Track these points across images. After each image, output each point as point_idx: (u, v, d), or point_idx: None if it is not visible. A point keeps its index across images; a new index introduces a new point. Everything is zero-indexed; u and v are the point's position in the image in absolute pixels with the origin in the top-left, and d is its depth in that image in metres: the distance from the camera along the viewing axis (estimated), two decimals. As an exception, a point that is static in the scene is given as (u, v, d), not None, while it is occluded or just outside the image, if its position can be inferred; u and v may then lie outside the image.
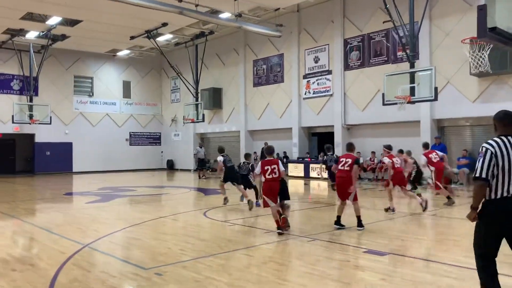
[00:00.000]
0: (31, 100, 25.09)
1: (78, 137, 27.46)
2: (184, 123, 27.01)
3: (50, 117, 25.51)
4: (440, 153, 11.66)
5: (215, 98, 26.47)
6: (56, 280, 5.22)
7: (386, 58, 18.75)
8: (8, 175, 25.13)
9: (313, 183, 18.68)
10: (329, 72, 20.96)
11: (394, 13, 15.35)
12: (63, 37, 23.70)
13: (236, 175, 11.50)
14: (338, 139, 20.56)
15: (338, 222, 8.23)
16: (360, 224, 8.02)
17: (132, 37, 24.31)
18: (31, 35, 23.07)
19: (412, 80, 14.97)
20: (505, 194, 3.75)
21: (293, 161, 22.11)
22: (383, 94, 15.66)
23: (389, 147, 11.04)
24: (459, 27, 16.32)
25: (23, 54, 25.08)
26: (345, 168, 8.19)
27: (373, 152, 19.07)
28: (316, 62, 21.63)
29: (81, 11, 19.69)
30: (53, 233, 8.20)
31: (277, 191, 7.85)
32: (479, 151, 3.91)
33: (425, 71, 14.70)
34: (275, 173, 7.81)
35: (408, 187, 11.19)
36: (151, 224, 9.09)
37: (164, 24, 21.96)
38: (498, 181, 3.75)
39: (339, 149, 20.45)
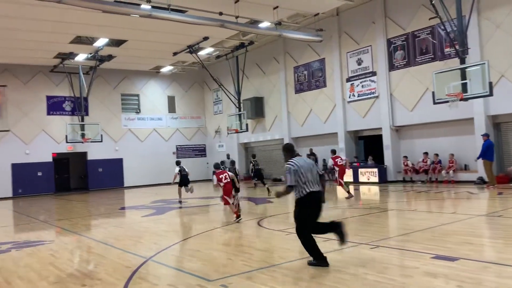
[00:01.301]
0: (82, 120, 26.18)
1: (128, 153, 28.32)
2: (228, 133, 27.27)
3: (101, 135, 26.50)
4: (344, 158, 16.32)
5: (257, 107, 26.59)
6: (126, 294, 5.32)
7: (433, 56, 18.17)
8: (64, 192, 26.22)
9: (363, 188, 18.26)
10: (373, 73, 20.56)
11: (440, 9, 14.89)
12: (110, 57, 24.61)
13: (188, 181, 17.24)
14: (387, 141, 20.07)
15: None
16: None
17: (174, 53, 24.90)
18: (80, 57, 24.12)
19: (463, 77, 14.42)
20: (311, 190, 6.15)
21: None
22: (433, 93, 15.17)
23: (333, 152, 15.89)
24: (510, 18, 15.60)
25: (73, 76, 26.29)
26: None
27: (426, 153, 18.45)
28: (359, 64, 21.29)
29: (125, 31, 20.39)
30: (115, 247, 8.42)
31: (231, 190, 11.12)
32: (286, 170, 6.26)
33: (477, 66, 14.12)
34: (227, 178, 11.03)
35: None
36: (208, 235, 9.15)
37: (205, 38, 22.34)
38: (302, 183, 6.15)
39: (388, 152, 19.99)
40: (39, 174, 25.56)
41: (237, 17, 17.27)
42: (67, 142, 25.81)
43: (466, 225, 8.55)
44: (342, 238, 6.20)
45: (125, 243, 8.95)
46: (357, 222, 9.97)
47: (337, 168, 15.03)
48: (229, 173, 11.34)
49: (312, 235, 6.19)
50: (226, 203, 10.98)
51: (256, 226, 9.79)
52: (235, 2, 17.08)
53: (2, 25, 18.30)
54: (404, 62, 19.28)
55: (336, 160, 15.09)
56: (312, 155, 22.80)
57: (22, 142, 25.25)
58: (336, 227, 6.28)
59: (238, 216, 10.63)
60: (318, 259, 6.05)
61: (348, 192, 14.39)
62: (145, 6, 15.53)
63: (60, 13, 17.16)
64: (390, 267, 5.77)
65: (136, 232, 10.24)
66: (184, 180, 17.18)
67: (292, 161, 6.26)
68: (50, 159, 26.10)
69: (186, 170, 17.74)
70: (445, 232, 7.93)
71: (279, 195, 6.52)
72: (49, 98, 26.32)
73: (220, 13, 16.82)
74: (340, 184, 14.82)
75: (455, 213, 10.15)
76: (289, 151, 6.55)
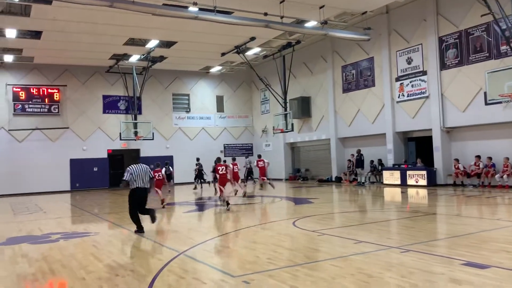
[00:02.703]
0: (135, 118, 27.33)
1: (178, 151, 29.20)
2: (273, 133, 27.41)
3: (153, 133, 27.53)
4: (266, 160, 20.52)
5: (303, 107, 26.51)
6: (153, 285, 5.59)
7: (487, 54, 17.31)
8: (117, 187, 27.44)
9: (411, 191, 17.74)
10: (423, 73, 19.91)
11: (495, 5, 14.20)
12: (161, 58, 25.50)
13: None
14: (437, 143, 19.37)
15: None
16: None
17: (223, 54, 25.38)
18: (133, 58, 25.21)
19: (518, 76, 13.67)
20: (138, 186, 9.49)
21: (388, 168, 21.23)
22: (485, 93, 14.51)
23: (233, 159, 18.87)
24: None
25: (127, 77, 27.51)
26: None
27: (478, 156, 17.61)
28: (409, 63, 20.68)
29: (175, 33, 21.07)
30: (153, 241, 8.81)
31: (226, 181, 14.03)
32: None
33: (534, 64, 13.33)
34: (223, 171, 13.88)
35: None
36: (242, 233, 9.34)
37: (252, 39, 22.60)
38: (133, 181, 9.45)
39: (439, 154, 19.27)
40: (95, 169, 26.98)
41: (282, 17, 17.34)
42: (121, 139, 27.06)
43: (508, 232, 8.14)
44: (152, 220, 9.76)
45: (163, 237, 9.34)
46: (394, 225, 9.77)
47: (257, 169, 20.10)
48: (230, 166, 15.22)
49: (139, 214, 9.79)
50: (221, 191, 13.97)
51: (291, 226, 9.85)
52: (280, 2, 17.16)
53: (62, 28, 19.52)
54: (457, 61, 18.50)
55: (259, 162, 19.90)
56: (359, 156, 22.43)
57: (80, 139, 26.77)
58: (150, 212, 9.72)
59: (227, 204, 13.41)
60: (139, 229, 9.68)
61: (271, 184, 19.17)
62: (192, 9, 16.01)
63: (114, 17, 18.05)
64: (415, 272, 5.64)
65: (175, 227, 10.64)
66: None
67: (131, 166, 9.71)
68: (105, 155, 27.48)
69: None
70: (483, 238, 7.60)
71: (120, 183, 10.05)
72: (105, 97, 27.70)
73: (265, 14, 16.98)
74: (263, 180, 19.75)
75: (500, 219, 9.67)
76: (134, 158, 10.38)
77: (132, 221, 9.79)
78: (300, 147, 28.68)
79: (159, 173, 15.78)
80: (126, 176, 9.54)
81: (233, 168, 16.73)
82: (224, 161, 16.11)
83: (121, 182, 9.93)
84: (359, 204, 14.72)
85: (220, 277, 5.85)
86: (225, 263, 6.71)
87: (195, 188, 23.55)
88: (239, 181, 17.64)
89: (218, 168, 14.13)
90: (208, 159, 29.08)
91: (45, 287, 5.96)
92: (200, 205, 15.91)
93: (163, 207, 14.71)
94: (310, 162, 28.00)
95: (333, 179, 24.76)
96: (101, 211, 15.19)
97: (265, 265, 6.37)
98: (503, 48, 16.51)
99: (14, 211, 16.14)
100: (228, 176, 14.71)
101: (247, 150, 31.85)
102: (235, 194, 16.80)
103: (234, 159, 18.73)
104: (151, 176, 9.90)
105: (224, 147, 30.93)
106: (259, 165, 19.84)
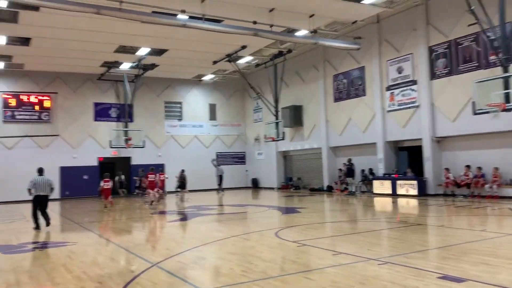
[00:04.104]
0: (126, 126, 27.10)
1: (170, 159, 28.98)
2: (265, 141, 27.27)
3: (144, 141, 27.31)
4: (165, 175, 22.62)
5: (295, 116, 26.41)
6: (117, 299, 5.40)
7: (477, 64, 17.28)
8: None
9: (401, 201, 17.59)
10: (414, 82, 19.87)
11: (482, 15, 14.18)
12: (153, 66, 25.40)
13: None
14: (428, 153, 19.26)
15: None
16: None
17: (214, 62, 25.31)
18: (125, 66, 25.10)
19: (506, 86, 13.59)
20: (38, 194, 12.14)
21: (378, 178, 21.09)
22: (473, 103, 14.43)
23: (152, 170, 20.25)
24: (561, 23, 14.56)
25: (119, 84, 27.38)
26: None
27: (468, 166, 17.50)
28: (399, 72, 20.64)
29: (166, 40, 20.99)
30: (130, 252, 8.60)
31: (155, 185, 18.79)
32: None
33: (521, 74, 13.27)
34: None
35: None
36: (222, 243, 9.15)
37: (243, 47, 22.56)
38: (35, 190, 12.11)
39: (429, 164, 19.15)
40: (85, 177, 26.72)
41: (271, 25, 17.28)
42: (111, 147, 26.81)
43: (491, 244, 7.98)
44: (47, 223, 12.25)
45: (141, 247, 9.13)
46: (377, 236, 9.60)
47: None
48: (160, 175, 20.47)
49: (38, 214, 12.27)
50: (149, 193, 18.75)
51: (272, 236, 9.67)
52: (270, 11, 17.15)
53: (53, 35, 19.41)
54: (446, 71, 18.46)
55: (161, 176, 21.53)
56: (350, 165, 22.31)
57: (70, 147, 26.56)
58: (44, 216, 12.32)
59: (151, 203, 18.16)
60: (36, 226, 12.09)
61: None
62: (181, 17, 15.94)
63: (103, 24, 17.94)
64: (389, 286, 5.47)
65: (155, 237, 10.43)
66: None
67: (33, 178, 12.28)
68: (95, 163, 27.25)
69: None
70: (464, 250, 7.45)
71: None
72: (96, 104, 27.54)
73: (254, 22, 16.91)
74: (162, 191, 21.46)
75: (485, 231, 9.53)
76: (40, 171, 12.48)
77: (32, 219, 12.35)
78: (293, 156, 28.54)
79: (152, 176, 19.34)
80: (30, 185, 12.15)
81: (159, 177, 20.55)
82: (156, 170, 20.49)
83: (28, 191, 12.20)
84: (346, 214, 14.55)
85: (188, 290, 5.67)
86: (197, 275, 6.52)
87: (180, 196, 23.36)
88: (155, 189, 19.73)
89: (149, 176, 19.09)
90: (200, 168, 28.97)
91: (8, 299, 5.76)
92: (187, 214, 15.70)
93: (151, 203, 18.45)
94: (302, 171, 27.84)
95: (325, 188, 24.60)
96: (85, 220, 14.95)
97: (237, 278, 6.19)
98: (492, 58, 16.48)
99: (-3, 219, 15.90)
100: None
101: (240, 159, 31.69)
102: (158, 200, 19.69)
103: (162, 171, 21.75)
104: (52, 187, 12.54)
105: (217, 155, 30.71)
106: (161, 178, 20.99)
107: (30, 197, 12.32)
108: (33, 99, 25.67)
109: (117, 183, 25.35)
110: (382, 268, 6.40)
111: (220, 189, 26.36)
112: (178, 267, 7.04)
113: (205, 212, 16.01)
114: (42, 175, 12.38)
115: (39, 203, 12.25)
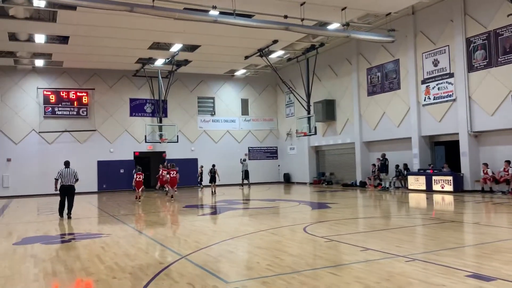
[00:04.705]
0: (160, 121, 27.71)
1: (203, 154, 29.40)
2: (297, 136, 27.20)
3: (177, 136, 27.83)
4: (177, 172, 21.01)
5: (328, 110, 26.17)
6: (145, 289, 5.58)
7: (518, 55, 16.58)
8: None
9: (436, 197, 17.17)
10: (450, 75, 19.28)
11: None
12: (186, 62, 25.79)
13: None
14: (464, 148, 18.68)
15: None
16: None
17: (246, 57, 25.41)
18: (159, 62, 25.58)
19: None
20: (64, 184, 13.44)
21: (413, 173, 20.64)
22: (513, 95, 13.89)
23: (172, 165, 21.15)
24: None
25: (153, 80, 27.94)
26: None
27: (508, 162, 16.87)
28: (435, 65, 20.08)
29: (198, 36, 21.25)
30: (161, 244, 8.84)
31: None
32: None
33: None
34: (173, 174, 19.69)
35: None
36: (250, 237, 9.24)
37: (275, 41, 22.53)
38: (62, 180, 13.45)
39: (466, 159, 18.58)
40: (121, 171, 27.50)
41: (303, 19, 17.18)
42: (146, 142, 27.48)
43: (527, 243, 7.70)
44: (68, 216, 13.40)
45: (171, 240, 9.36)
46: (407, 232, 9.43)
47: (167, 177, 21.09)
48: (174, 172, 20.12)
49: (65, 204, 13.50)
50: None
51: (300, 232, 9.68)
52: (301, 5, 17.02)
53: (89, 33, 20.06)
54: (485, 63, 17.81)
55: (171, 172, 20.46)
56: (384, 160, 21.87)
57: (107, 141, 27.39)
58: (69, 207, 13.54)
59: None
60: (61, 214, 13.48)
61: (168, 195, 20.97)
62: (212, 12, 16.08)
63: (137, 21, 18.36)
64: (414, 283, 5.39)
65: (185, 230, 10.65)
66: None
67: (60, 169, 13.54)
68: (131, 157, 27.98)
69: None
70: (498, 249, 7.21)
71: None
72: (132, 100, 28.25)
73: (285, 16, 16.88)
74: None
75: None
76: (66, 164, 13.67)
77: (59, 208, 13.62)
78: (325, 151, 28.33)
79: (173, 172, 19.95)
80: (57, 175, 13.51)
81: (171, 173, 20.39)
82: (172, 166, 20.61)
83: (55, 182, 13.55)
84: (378, 210, 14.35)
85: (213, 283, 5.77)
86: (223, 268, 6.63)
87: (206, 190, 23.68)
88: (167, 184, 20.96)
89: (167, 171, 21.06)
90: (233, 163, 29.19)
91: None
92: (218, 208, 15.92)
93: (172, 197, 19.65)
94: (335, 166, 27.61)
95: (358, 184, 24.31)
96: (120, 212, 15.42)
97: (262, 272, 6.26)
98: (534, 48, 15.77)
99: (39, 211, 16.64)
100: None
101: (272, 154, 31.75)
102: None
103: (173, 166, 21.03)
104: (76, 178, 13.61)
105: (249, 150, 30.94)
106: (172, 175, 20.56)
107: (57, 187, 13.59)
108: (72, 95, 26.60)
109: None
110: (409, 265, 6.30)
111: (245, 184, 26.20)
112: (206, 260, 7.18)
113: (235, 206, 16.18)
114: (68, 167, 13.61)
115: (66, 192, 13.40)
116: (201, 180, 26.11)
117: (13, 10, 17.26)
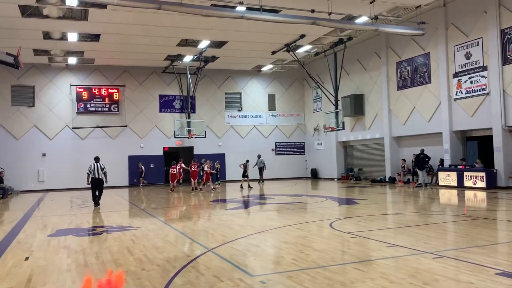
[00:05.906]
0: (189, 117, 28.06)
1: (230, 149, 29.63)
2: (324, 131, 27.01)
3: (205, 131, 28.12)
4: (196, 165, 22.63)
5: (356, 105, 25.86)
6: (173, 281, 5.72)
7: (555, 46, 15.94)
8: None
9: (467, 194, 16.76)
10: (483, 68, 18.73)
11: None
12: (213, 58, 25.98)
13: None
14: (498, 143, 18.14)
15: None
16: None
17: (273, 52, 25.39)
18: (187, 59, 25.89)
19: None
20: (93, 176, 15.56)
21: (444, 169, 20.19)
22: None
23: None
24: None
25: (181, 77, 28.29)
26: None
27: (543, 157, 16.27)
28: (467, 58, 19.54)
29: (225, 32, 21.37)
30: (188, 237, 9.02)
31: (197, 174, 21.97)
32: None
33: None
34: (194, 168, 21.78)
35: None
36: (275, 232, 9.30)
37: (302, 36, 22.41)
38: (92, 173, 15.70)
39: (500, 154, 18.05)
40: (151, 166, 28.04)
41: (330, 13, 17.04)
42: (175, 137, 27.90)
43: (562, 242, 7.45)
44: (96, 203, 15.53)
45: (198, 233, 9.52)
46: (436, 229, 9.27)
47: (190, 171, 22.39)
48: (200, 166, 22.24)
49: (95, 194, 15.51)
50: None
51: (327, 227, 9.67)
52: (328, -1, 16.86)
53: (118, 31, 20.50)
54: (520, 55, 17.21)
55: (192, 166, 21.97)
56: (423, 156, 20.90)
57: (138, 137, 27.96)
58: (98, 197, 15.66)
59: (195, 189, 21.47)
60: (95, 203, 15.47)
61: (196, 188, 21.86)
62: (239, 8, 16.16)
63: (165, 18, 18.65)
64: (441, 280, 5.33)
65: (213, 224, 10.81)
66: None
67: (90, 165, 15.51)
68: (161, 153, 28.47)
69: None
70: (531, 247, 7.02)
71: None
72: (161, 96, 28.70)
73: (312, 11, 16.78)
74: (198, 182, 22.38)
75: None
76: (96, 159, 15.71)
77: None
78: (353, 146, 28.04)
79: (195, 166, 22.08)
80: (89, 170, 15.46)
81: (191, 167, 22.01)
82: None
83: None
84: (406, 206, 14.14)
85: (238, 276, 5.86)
86: (249, 262, 6.71)
87: (245, 186, 23.79)
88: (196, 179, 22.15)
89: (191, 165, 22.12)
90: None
91: (75, 278, 6.27)
92: (245, 203, 16.04)
93: (196, 189, 21.63)
94: (363, 161, 27.30)
95: (387, 180, 23.97)
96: (149, 206, 15.77)
97: (287, 266, 6.31)
98: None
99: (72, 204, 17.20)
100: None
101: (299, 149, 31.66)
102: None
103: (194, 161, 22.52)
104: (105, 172, 15.58)
105: (276, 145, 30.96)
106: (192, 169, 21.90)
107: (89, 180, 15.58)
108: (103, 91, 27.25)
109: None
110: (436, 262, 6.21)
111: (261, 179, 26.04)
112: (232, 253, 7.28)
113: (262, 201, 16.26)
114: (97, 162, 15.74)
115: (95, 184, 15.55)
116: (247, 175, 24.25)
117: (47, 10, 17.82)
